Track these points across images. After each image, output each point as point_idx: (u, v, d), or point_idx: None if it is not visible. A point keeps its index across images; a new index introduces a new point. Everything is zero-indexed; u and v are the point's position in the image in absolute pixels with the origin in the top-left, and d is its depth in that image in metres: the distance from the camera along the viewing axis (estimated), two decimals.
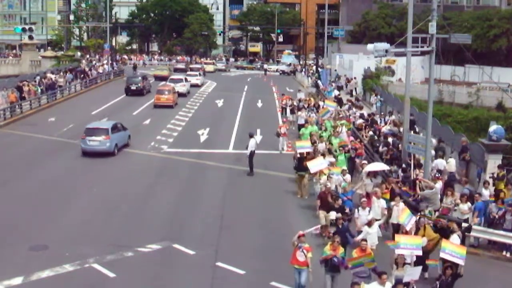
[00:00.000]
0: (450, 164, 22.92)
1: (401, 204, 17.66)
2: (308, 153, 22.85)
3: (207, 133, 34.40)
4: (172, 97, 43.36)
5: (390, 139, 26.16)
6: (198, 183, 24.43)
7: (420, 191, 19.40)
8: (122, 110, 41.55)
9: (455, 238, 14.95)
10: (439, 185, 19.50)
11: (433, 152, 22.76)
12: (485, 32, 60.85)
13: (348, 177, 20.86)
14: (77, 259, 16.05)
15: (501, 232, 17.41)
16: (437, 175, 20.71)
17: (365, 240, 14.32)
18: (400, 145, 24.71)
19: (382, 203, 17.84)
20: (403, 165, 22.26)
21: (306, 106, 36.89)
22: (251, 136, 26.20)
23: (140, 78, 51.00)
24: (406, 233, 15.34)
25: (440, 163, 22.45)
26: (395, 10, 72.62)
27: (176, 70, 66.50)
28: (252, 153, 25.47)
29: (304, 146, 23.48)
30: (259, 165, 25.71)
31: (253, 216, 20.47)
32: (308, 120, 30.89)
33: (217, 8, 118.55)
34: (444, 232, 15.55)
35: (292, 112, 37.06)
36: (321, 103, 37.18)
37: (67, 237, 17.80)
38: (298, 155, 22.84)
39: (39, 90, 43.61)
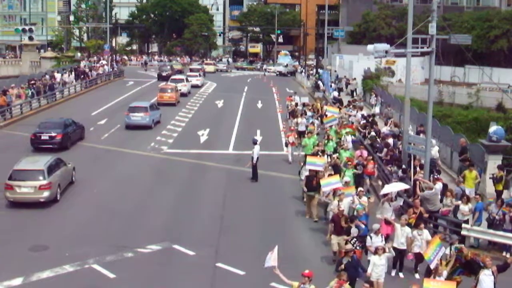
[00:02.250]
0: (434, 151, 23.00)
1: (425, 232, 15.87)
2: (318, 171, 20.53)
3: (207, 133, 34.39)
4: (175, 95, 44.75)
5: (390, 140, 26.15)
6: (198, 183, 24.42)
7: (421, 191, 19.41)
8: (122, 110, 41.43)
9: (486, 279, 13.28)
10: (439, 186, 19.50)
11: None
12: (485, 33, 60.87)
13: (364, 198, 18.36)
14: (77, 259, 16.07)
15: (501, 233, 17.41)
16: (436, 175, 20.70)
17: (369, 283, 12.75)
18: (400, 146, 24.70)
19: (408, 231, 15.72)
20: (403, 166, 22.23)
21: (307, 111, 34.30)
22: (254, 143, 25.84)
23: (168, 67, 65.78)
24: (434, 271, 13.53)
25: None
26: (395, 11, 72.61)
27: (192, 70, 67.55)
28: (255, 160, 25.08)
29: (315, 163, 20.86)
30: (259, 166, 25.66)
31: (253, 217, 20.47)
32: (311, 128, 28.91)
33: (217, 9, 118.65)
34: (472, 268, 13.87)
35: (291, 116, 34.95)
36: (324, 107, 34.96)
37: (67, 238, 17.82)
38: (307, 173, 20.57)
39: (30, 93, 42.31)
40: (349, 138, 26.73)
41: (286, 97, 41.75)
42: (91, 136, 32.92)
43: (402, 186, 18.93)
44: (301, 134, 29.68)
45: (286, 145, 28.24)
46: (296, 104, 37.54)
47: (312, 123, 30.83)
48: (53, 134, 28.93)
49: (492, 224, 17.87)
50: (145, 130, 34.82)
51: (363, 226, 16.15)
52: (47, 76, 49.65)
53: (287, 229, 19.38)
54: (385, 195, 18.16)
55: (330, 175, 20.05)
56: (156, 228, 18.91)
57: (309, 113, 33.60)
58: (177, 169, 26.71)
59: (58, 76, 51.37)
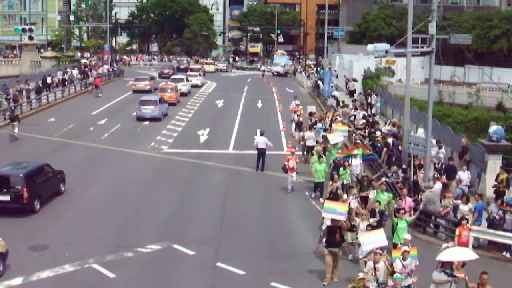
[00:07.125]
0: None
1: None
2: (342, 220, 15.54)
3: (207, 133, 34.39)
4: (175, 95, 45.01)
5: (390, 140, 26.12)
6: (198, 183, 24.42)
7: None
8: (122, 110, 41.58)
9: None
10: (438, 185, 19.49)
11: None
12: (485, 33, 60.84)
13: (411, 264, 13.59)
14: (77, 259, 16.06)
15: (501, 232, 17.41)
16: (435, 175, 20.70)
17: None
18: (400, 146, 24.69)
19: None
20: (403, 166, 22.22)
21: (313, 121, 30.23)
22: (261, 134, 26.18)
23: (185, 61, 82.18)
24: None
25: None
26: (395, 10, 72.59)
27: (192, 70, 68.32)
28: (259, 151, 25.47)
29: (335, 210, 15.52)
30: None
31: (253, 217, 20.45)
32: (317, 149, 23.75)
33: (217, 9, 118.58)
34: None
35: (297, 128, 30.41)
36: (326, 113, 32.40)
37: (67, 237, 17.81)
38: (329, 224, 15.59)
39: (5, 101, 39.51)
40: (357, 161, 22.27)
41: (290, 109, 37.68)
42: (91, 136, 32.93)
43: (470, 255, 13.55)
44: (309, 150, 25.84)
45: (286, 171, 22.87)
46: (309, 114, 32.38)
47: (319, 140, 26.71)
48: (169, 71, 64.92)
49: (492, 224, 17.88)
50: (144, 130, 34.90)
51: None
52: (60, 72, 53.79)
53: (287, 229, 19.37)
54: (447, 263, 13.25)
55: (371, 227, 15.36)
56: (156, 227, 18.91)
57: (319, 125, 29.07)
58: (177, 169, 26.70)
59: (74, 72, 55.80)
